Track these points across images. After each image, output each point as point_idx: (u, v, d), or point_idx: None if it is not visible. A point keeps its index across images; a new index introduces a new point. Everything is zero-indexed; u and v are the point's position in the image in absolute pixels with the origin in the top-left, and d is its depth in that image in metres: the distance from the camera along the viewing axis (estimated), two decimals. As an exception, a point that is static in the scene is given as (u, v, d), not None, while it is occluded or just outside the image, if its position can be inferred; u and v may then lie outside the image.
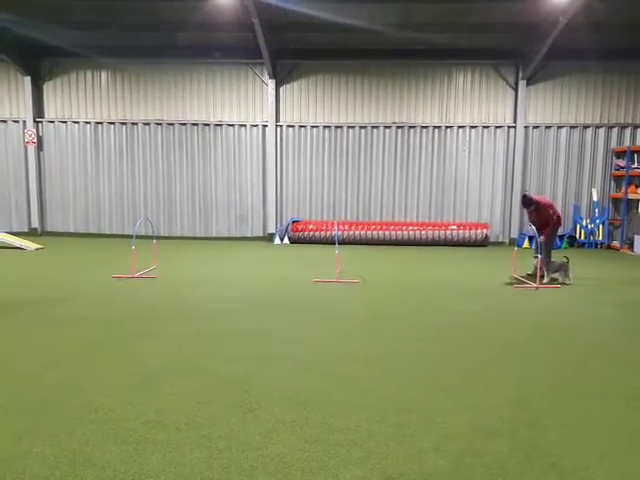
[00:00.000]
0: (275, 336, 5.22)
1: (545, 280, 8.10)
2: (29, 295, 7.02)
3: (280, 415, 3.41)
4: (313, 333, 5.36)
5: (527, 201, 8.56)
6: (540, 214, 8.52)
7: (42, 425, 3.24)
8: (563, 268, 8.22)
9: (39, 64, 14.11)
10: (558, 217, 8.58)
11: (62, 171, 14.41)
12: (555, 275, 8.25)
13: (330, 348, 4.86)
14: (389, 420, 3.36)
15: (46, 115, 14.35)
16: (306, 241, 13.46)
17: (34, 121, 14.16)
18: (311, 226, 13.52)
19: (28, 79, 13.92)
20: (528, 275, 8.79)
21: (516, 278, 8.62)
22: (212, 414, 3.41)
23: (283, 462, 2.85)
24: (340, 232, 13.07)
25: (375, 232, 13.29)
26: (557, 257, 8.60)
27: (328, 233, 13.25)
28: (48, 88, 14.27)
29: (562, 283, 8.16)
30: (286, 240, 13.66)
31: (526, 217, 10.40)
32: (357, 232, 13.29)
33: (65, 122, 14.28)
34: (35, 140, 14.19)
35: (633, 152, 13.15)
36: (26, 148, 14.28)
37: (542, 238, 8.27)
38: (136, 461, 2.84)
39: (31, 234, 14.10)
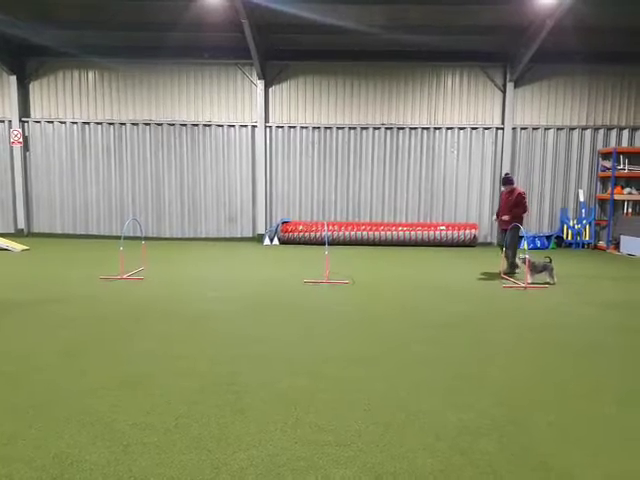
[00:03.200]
0: (265, 337, 5.21)
1: (530, 280, 8.16)
2: (15, 297, 6.93)
3: (270, 416, 3.40)
4: (303, 334, 5.36)
5: (508, 179, 9.28)
6: (512, 198, 9.09)
7: (29, 427, 3.20)
8: (547, 268, 8.30)
9: (25, 63, 13.97)
10: (525, 205, 9.09)
11: (49, 172, 14.28)
12: (540, 275, 8.33)
13: (320, 349, 4.86)
14: (379, 420, 3.37)
15: (32, 115, 14.20)
16: (296, 242, 13.46)
17: (20, 121, 14.01)
18: (301, 227, 13.51)
19: (14, 78, 13.77)
20: (501, 273, 9.18)
21: (504, 277, 8.73)
22: (201, 415, 3.39)
23: (273, 462, 2.85)
24: (330, 233, 13.08)
25: (365, 233, 13.32)
26: (540, 257, 8.69)
27: (318, 234, 13.26)
28: (34, 87, 14.12)
29: (547, 283, 8.25)
30: (276, 241, 13.65)
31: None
32: (347, 233, 13.32)
33: (52, 122, 14.14)
34: (21, 140, 14.03)
35: (619, 153, 13.33)
36: (12, 148, 14.12)
37: (506, 217, 9.00)
38: (125, 463, 2.82)
39: (17, 235, 13.94)
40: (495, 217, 9.58)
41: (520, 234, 8.92)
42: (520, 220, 9.01)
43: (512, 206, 9.04)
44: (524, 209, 9.07)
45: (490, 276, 9.05)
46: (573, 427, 3.33)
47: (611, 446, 3.10)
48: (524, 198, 9.08)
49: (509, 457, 2.94)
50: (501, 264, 9.25)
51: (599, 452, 3.03)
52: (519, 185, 13.78)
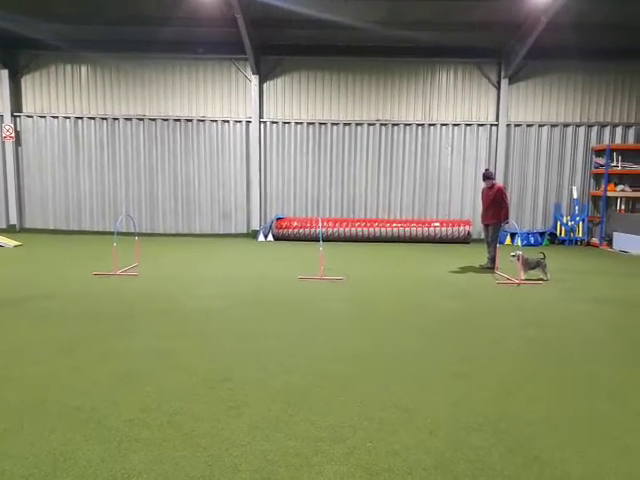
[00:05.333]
0: (259, 333, 5.20)
1: (523, 277, 8.20)
2: (8, 293, 6.89)
3: (264, 412, 3.40)
4: (297, 330, 5.36)
5: (488, 174, 9.59)
6: (492, 193, 9.34)
7: (21, 424, 3.18)
8: (541, 265, 8.34)
9: (17, 57, 13.82)
10: (505, 200, 9.32)
11: (41, 167, 14.16)
12: (533, 272, 8.38)
13: (314, 345, 4.86)
14: (373, 416, 3.37)
15: (24, 109, 14.07)
16: (290, 238, 13.44)
17: (12, 115, 13.87)
18: (295, 223, 13.49)
19: (5, 72, 13.62)
20: (481, 267, 9.49)
21: (497, 273, 8.77)
22: (195, 412, 3.39)
23: (267, 459, 2.85)
24: (324, 229, 13.07)
25: (359, 229, 13.32)
26: (534, 254, 8.73)
27: (312, 230, 13.24)
28: (26, 82, 13.99)
29: (540, 279, 8.29)
30: (270, 237, 13.62)
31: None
32: (341, 229, 13.31)
33: (44, 117, 14.02)
34: (13, 135, 13.91)
35: (612, 150, 13.38)
36: (3, 143, 13.99)
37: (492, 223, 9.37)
38: (118, 460, 2.81)
39: (9, 231, 13.84)
40: (482, 219, 9.76)
41: (503, 229, 9.09)
42: (507, 215, 9.27)
43: (492, 201, 9.31)
44: (506, 205, 9.28)
45: (484, 272, 9.08)
46: (566, 422, 3.35)
47: (603, 441, 3.12)
48: (504, 193, 9.34)
49: (502, 452, 2.96)
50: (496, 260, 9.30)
51: (591, 447, 3.05)
52: (513, 182, 13.93)
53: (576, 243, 13.81)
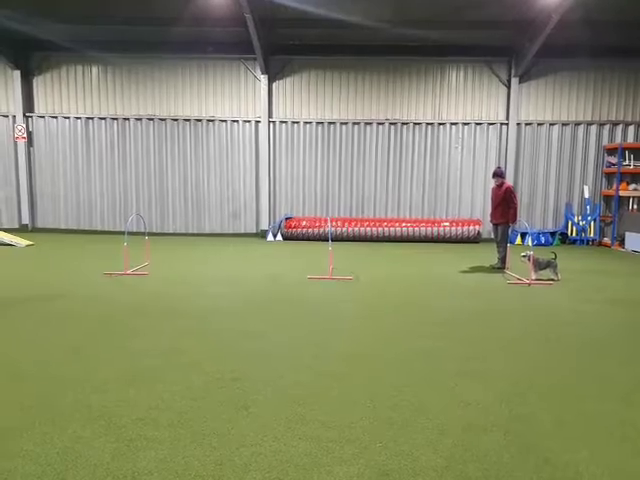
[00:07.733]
0: (269, 333, 5.21)
1: (533, 277, 8.14)
2: (19, 292, 6.95)
3: (274, 412, 3.40)
4: (307, 330, 5.35)
5: (499, 172, 9.41)
6: (500, 192, 9.24)
7: (33, 423, 3.21)
8: (551, 265, 8.27)
9: (29, 58, 13.97)
10: (513, 200, 9.23)
11: (53, 167, 14.29)
12: (543, 272, 8.31)
13: (324, 345, 4.86)
14: (383, 417, 3.36)
15: (36, 110, 14.21)
16: (299, 238, 13.44)
17: (24, 116, 14.02)
18: (304, 223, 13.49)
19: (18, 73, 13.77)
20: (491, 267, 9.41)
21: (510, 275, 8.71)
22: (205, 411, 3.40)
23: (277, 459, 2.84)
24: (333, 229, 13.06)
25: (368, 229, 13.29)
26: (545, 253, 8.65)
27: (321, 230, 13.24)
28: (38, 83, 14.12)
29: (551, 279, 8.22)
30: (279, 237, 13.64)
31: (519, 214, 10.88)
32: (350, 229, 13.28)
33: (56, 117, 14.14)
34: (25, 135, 14.05)
35: (624, 149, 13.24)
36: (16, 143, 14.14)
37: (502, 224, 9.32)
38: (129, 458, 2.82)
39: (21, 230, 13.98)
40: (490, 219, 9.67)
41: (513, 228, 9.00)
42: (514, 216, 9.17)
43: (501, 200, 9.22)
44: (514, 205, 9.18)
45: (494, 272, 9.02)
46: (577, 423, 3.31)
47: (615, 442, 3.09)
48: (512, 193, 9.24)
49: (513, 453, 2.93)
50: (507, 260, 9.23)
51: (603, 448, 3.01)
52: (524, 182, 13.83)
53: (587, 243, 13.68)
